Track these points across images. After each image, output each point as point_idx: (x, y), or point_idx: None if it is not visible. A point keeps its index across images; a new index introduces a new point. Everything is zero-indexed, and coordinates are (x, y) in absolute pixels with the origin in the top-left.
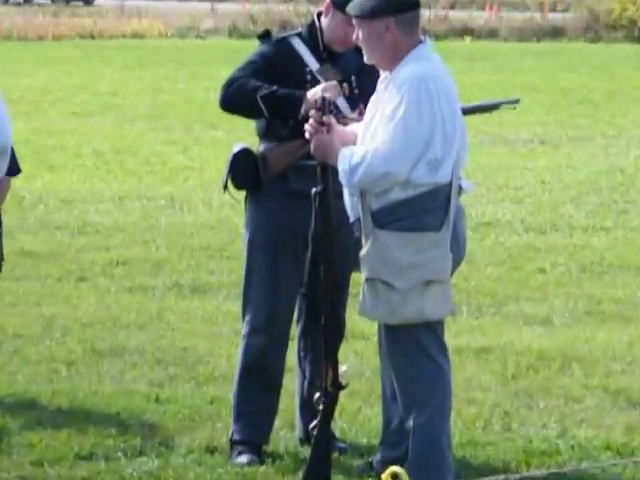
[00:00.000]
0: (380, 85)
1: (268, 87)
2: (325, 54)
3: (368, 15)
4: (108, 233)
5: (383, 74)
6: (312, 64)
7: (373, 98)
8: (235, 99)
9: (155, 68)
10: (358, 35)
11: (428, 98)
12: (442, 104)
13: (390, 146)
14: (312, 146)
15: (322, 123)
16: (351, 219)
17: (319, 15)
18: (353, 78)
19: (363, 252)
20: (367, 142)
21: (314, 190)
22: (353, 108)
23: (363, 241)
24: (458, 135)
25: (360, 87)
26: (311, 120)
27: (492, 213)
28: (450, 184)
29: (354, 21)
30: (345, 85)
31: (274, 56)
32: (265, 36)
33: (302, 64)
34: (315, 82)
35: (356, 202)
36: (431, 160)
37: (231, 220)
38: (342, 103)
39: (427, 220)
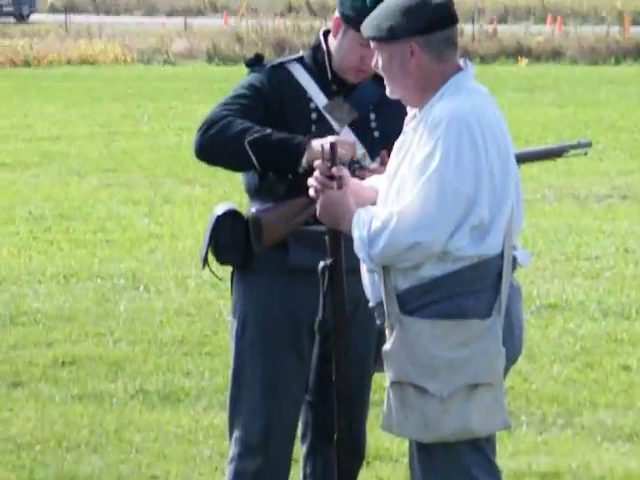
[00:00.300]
0: (407, 125)
1: (259, 130)
2: (335, 85)
3: (387, 37)
4: (50, 323)
5: (411, 111)
6: (318, 98)
7: (399, 142)
8: (215, 146)
9: (111, 104)
10: (377, 62)
11: (470, 143)
12: (489, 151)
13: (421, 207)
14: (318, 207)
15: (331, 176)
16: (371, 303)
17: (326, 34)
18: (372, 116)
19: (387, 346)
20: (391, 201)
21: (322, 264)
22: (373, 155)
23: (387, 332)
24: (511, 191)
25: (381, 127)
26: (317, 172)
27: (559, 292)
28: (501, 256)
29: (371, 45)
30: (360, 152)
31: (267, 88)
32: (256, 62)
33: (305, 98)
34: (322, 122)
35: (377, 281)
36: (476, 226)
37: (213, 305)
38: (358, 148)
39: (471, 304)
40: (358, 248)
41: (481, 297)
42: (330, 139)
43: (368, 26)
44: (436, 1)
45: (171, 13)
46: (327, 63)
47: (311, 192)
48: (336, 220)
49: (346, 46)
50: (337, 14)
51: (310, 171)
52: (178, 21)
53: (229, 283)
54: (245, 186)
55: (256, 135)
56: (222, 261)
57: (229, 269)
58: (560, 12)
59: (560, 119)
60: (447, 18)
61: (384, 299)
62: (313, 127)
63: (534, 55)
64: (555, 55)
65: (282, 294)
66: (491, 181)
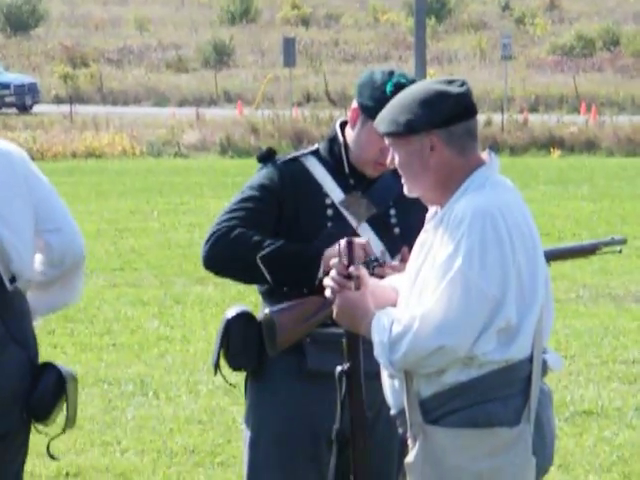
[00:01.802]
0: (429, 223)
1: (271, 242)
2: (352, 179)
3: (405, 131)
4: (53, 432)
5: (432, 208)
6: (334, 193)
7: (420, 241)
8: (225, 261)
9: (118, 199)
10: (393, 159)
11: (496, 241)
12: (516, 248)
13: (445, 310)
14: (335, 309)
15: (349, 276)
16: (392, 411)
17: (343, 125)
18: (392, 211)
19: (410, 458)
20: (413, 303)
21: (339, 369)
22: (393, 253)
23: (409, 442)
24: (540, 291)
25: (402, 223)
26: (333, 272)
27: (594, 398)
28: (530, 360)
29: (387, 141)
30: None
31: (279, 186)
32: (267, 157)
33: (320, 194)
34: (339, 219)
35: (399, 387)
36: (503, 328)
37: (226, 412)
38: (376, 246)
39: (498, 411)
40: (378, 353)
41: (509, 403)
42: (343, 242)
43: (383, 121)
44: (456, 91)
45: (182, 103)
46: (344, 156)
47: (327, 293)
48: (354, 323)
49: (365, 138)
50: (355, 104)
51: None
52: (189, 111)
53: (243, 389)
54: (258, 287)
55: (268, 250)
56: (234, 367)
57: (242, 374)
58: (594, 101)
59: (595, 214)
60: (468, 109)
61: (406, 407)
62: (329, 224)
63: (567, 146)
64: (589, 146)
65: (298, 401)
66: (518, 280)
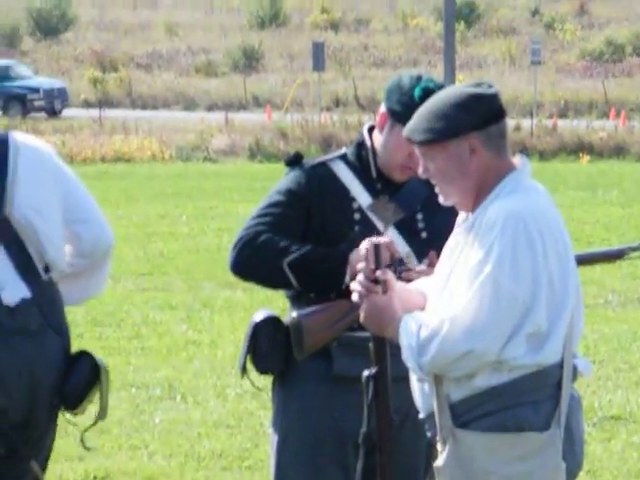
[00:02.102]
0: (460, 227)
1: (297, 248)
2: (380, 184)
3: (444, 137)
4: (82, 425)
5: (463, 212)
6: (362, 198)
7: (450, 245)
8: (252, 267)
9: (147, 204)
10: (426, 169)
11: (528, 245)
12: (548, 252)
13: (474, 314)
14: (363, 313)
15: (376, 280)
16: (421, 414)
17: (371, 130)
18: (420, 216)
19: (440, 462)
20: (442, 307)
21: (366, 373)
22: (420, 257)
23: (439, 446)
24: (571, 296)
25: (429, 228)
26: (360, 276)
27: (623, 403)
28: (561, 365)
29: (417, 151)
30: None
31: (306, 190)
32: (295, 161)
33: (348, 198)
34: (366, 223)
35: (428, 391)
36: (533, 333)
37: (254, 416)
38: (403, 249)
39: (528, 416)
40: (407, 357)
41: (539, 408)
42: (365, 244)
43: (416, 131)
44: (489, 92)
45: (211, 107)
46: (372, 160)
47: (354, 297)
48: (382, 327)
49: (392, 142)
50: (383, 109)
51: (353, 276)
52: (219, 116)
53: (270, 393)
54: (285, 291)
55: (294, 255)
56: (262, 370)
57: (270, 378)
58: (624, 106)
59: (624, 219)
60: (501, 110)
61: (436, 411)
62: (356, 228)
63: (596, 151)
64: (619, 151)
65: (325, 405)
66: (550, 285)
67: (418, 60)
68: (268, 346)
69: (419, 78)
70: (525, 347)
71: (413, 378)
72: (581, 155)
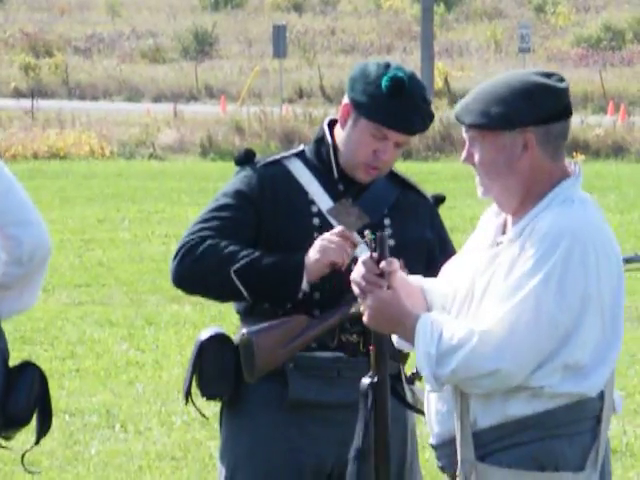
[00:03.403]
0: (502, 236)
1: (246, 254)
2: (342, 185)
3: (499, 125)
4: (7, 469)
5: (492, 220)
6: (322, 201)
7: (488, 257)
8: (194, 278)
9: (84, 206)
10: (470, 155)
11: (582, 268)
12: (603, 278)
13: (509, 331)
14: (368, 310)
15: (381, 274)
16: (432, 440)
17: (332, 124)
18: (387, 221)
19: None
20: (470, 315)
21: (367, 382)
22: None
23: (459, 479)
24: (622, 324)
25: (397, 235)
26: (362, 269)
27: (618, 434)
28: (601, 397)
29: (465, 133)
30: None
31: (257, 192)
32: (245, 159)
33: (306, 201)
34: (326, 229)
35: (447, 414)
36: (570, 365)
37: (202, 447)
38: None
39: (564, 450)
40: (422, 365)
41: (575, 442)
42: (319, 241)
43: (468, 111)
44: (559, 86)
45: (158, 98)
46: (333, 158)
47: (356, 291)
48: (391, 325)
49: (356, 138)
50: (346, 100)
51: (344, 271)
52: (166, 107)
53: (219, 421)
54: (235, 305)
55: (243, 262)
56: (208, 395)
57: (218, 404)
58: (623, 99)
59: (622, 226)
60: (568, 108)
61: (458, 439)
62: (315, 235)
63: (592, 150)
64: (617, 151)
65: (279, 435)
66: (601, 312)
67: (392, 46)
68: (215, 368)
69: (387, 66)
70: (559, 376)
71: (432, 397)
72: (575, 154)
